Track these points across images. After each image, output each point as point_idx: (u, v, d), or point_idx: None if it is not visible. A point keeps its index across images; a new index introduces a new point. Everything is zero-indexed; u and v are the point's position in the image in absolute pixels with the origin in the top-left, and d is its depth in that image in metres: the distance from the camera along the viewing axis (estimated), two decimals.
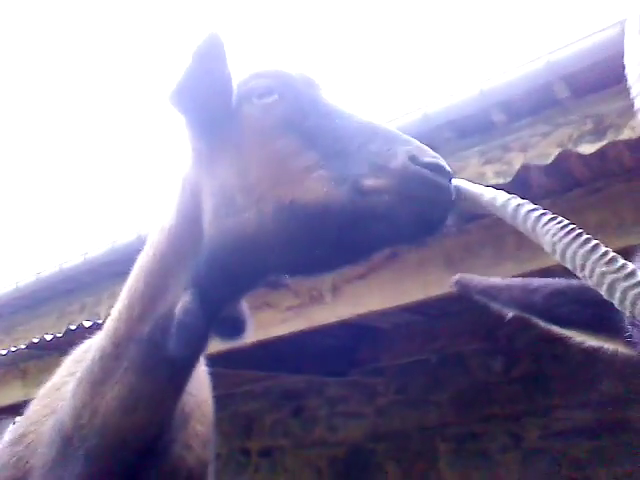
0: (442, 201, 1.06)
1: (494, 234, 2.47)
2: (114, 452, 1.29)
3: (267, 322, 3.17)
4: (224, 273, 1.24)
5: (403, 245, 1.15)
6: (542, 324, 0.99)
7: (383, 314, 3.36)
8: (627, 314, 0.79)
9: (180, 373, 1.31)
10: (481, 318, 4.31)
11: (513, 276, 2.64)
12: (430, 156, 1.08)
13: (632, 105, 2.40)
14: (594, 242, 0.83)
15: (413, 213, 1.06)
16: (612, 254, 0.81)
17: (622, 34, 2.15)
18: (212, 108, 1.22)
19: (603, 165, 2.43)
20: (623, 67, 2.44)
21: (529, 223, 0.90)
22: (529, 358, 4.34)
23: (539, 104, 2.38)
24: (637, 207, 2.46)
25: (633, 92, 0.90)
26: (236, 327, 1.34)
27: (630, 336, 0.86)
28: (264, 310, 3.11)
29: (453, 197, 1.06)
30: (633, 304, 0.76)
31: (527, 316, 0.99)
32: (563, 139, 2.29)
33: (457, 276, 1.08)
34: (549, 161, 2.26)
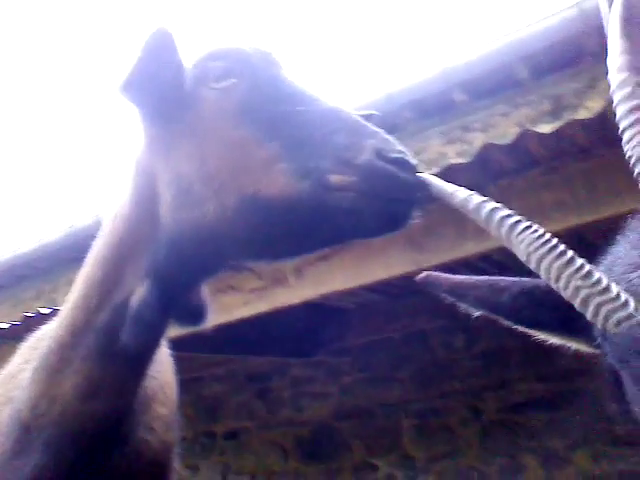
0: (408, 199, 1.06)
1: (455, 214, 2.48)
2: (74, 441, 1.26)
3: (230, 305, 3.15)
4: (183, 262, 1.21)
5: (367, 238, 1.16)
6: (508, 323, 1.00)
7: (346, 294, 3.39)
8: (599, 327, 0.79)
9: (139, 362, 1.29)
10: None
11: (474, 255, 2.69)
12: (396, 151, 1.05)
13: (588, 85, 2.45)
14: (570, 254, 0.82)
15: (378, 210, 1.06)
16: (588, 268, 0.80)
17: (579, 16, 2.18)
18: (164, 96, 1.18)
19: (559, 145, 2.48)
20: (580, 48, 2.49)
21: (503, 230, 0.89)
22: (488, 334, 4.46)
23: (499, 84, 2.40)
24: (592, 186, 2.52)
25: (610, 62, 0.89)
26: (196, 314, 1.32)
27: (598, 345, 0.87)
28: (227, 293, 3.08)
29: (419, 193, 1.05)
30: (606, 319, 0.77)
31: (493, 316, 1.00)
32: (522, 119, 2.33)
33: (423, 274, 1.07)
34: (509, 141, 2.29)
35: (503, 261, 3.70)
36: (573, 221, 2.51)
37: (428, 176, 1.07)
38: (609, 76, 0.92)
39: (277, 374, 5.28)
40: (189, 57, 1.22)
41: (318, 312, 4.47)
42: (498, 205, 0.92)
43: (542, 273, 0.83)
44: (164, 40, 1.15)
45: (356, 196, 1.04)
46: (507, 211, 0.91)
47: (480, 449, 4.37)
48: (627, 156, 0.86)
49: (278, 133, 1.11)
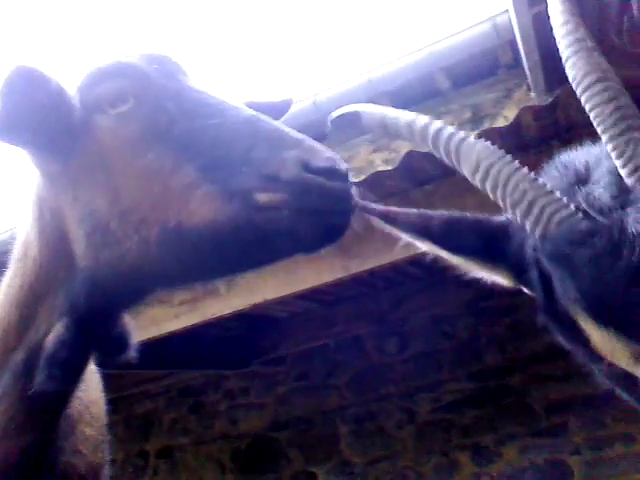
0: (342, 209, 0.99)
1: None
2: None
3: (160, 318, 3.05)
4: (104, 299, 1.14)
5: (306, 253, 1.09)
6: (435, 250, 1.02)
7: (279, 303, 3.36)
8: (539, 232, 0.83)
9: (56, 403, 1.24)
10: (375, 302, 4.46)
11: (403, 259, 2.74)
12: (323, 159, 0.96)
13: (504, 95, 2.56)
14: (517, 162, 0.87)
15: (313, 225, 0.98)
16: (533, 174, 0.86)
17: (493, 30, 2.29)
18: (50, 131, 1.06)
19: None
20: (496, 60, 2.59)
21: (452, 144, 0.92)
22: (420, 337, 4.57)
23: (422, 94, 2.48)
24: None
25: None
26: (119, 344, 1.25)
27: (517, 270, 0.92)
28: (155, 306, 2.99)
29: (353, 200, 1.00)
30: (549, 219, 0.82)
31: (422, 240, 1.02)
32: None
33: (358, 201, 1.04)
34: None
35: (432, 265, 3.81)
36: None
37: (369, 106, 1.05)
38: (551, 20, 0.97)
39: (211, 387, 5.17)
40: (74, 81, 1.11)
41: (251, 322, 4.42)
42: (444, 125, 0.95)
43: (490, 179, 0.88)
44: (28, 75, 1.03)
45: (288, 214, 0.96)
46: (453, 129, 0.94)
47: (415, 450, 4.46)
48: (570, 76, 0.92)
49: (192, 154, 1.01)
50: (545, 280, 0.87)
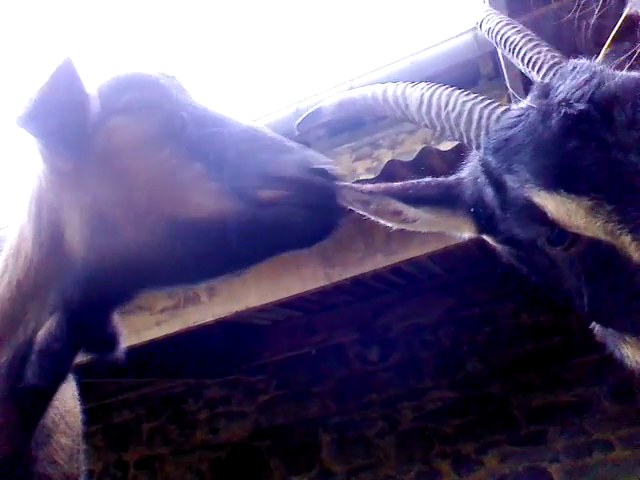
0: (336, 207, 1.11)
1: (363, 227, 2.56)
2: None
3: (140, 326, 3.01)
4: (99, 293, 1.17)
5: (300, 249, 1.21)
6: (398, 205, 1.09)
7: (261, 311, 3.35)
8: (483, 133, 0.94)
9: (42, 400, 1.23)
10: (357, 310, 4.46)
11: (384, 267, 2.75)
12: (320, 162, 1.11)
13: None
14: (452, 88, 1.01)
15: (312, 221, 1.11)
16: (468, 91, 1.00)
17: (475, 41, 2.32)
18: (70, 127, 1.13)
19: (458, 159, 2.61)
20: (477, 71, 2.63)
21: (399, 93, 1.06)
22: (402, 345, 4.58)
23: None
24: None
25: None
26: (108, 342, 1.26)
27: (481, 215, 1.00)
28: (136, 313, 2.95)
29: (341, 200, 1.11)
30: (488, 120, 0.95)
31: (386, 199, 1.09)
32: (427, 137, 2.43)
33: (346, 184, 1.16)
34: (413, 157, 2.38)
35: (412, 272, 3.83)
36: None
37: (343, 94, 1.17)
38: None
39: (192, 396, 5.12)
40: (93, 83, 1.18)
41: (232, 330, 4.39)
42: (386, 85, 1.09)
43: (433, 106, 1.02)
44: (68, 70, 1.10)
45: (291, 209, 1.09)
46: (395, 85, 1.08)
47: (397, 458, 4.46)
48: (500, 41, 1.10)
49: (201, 155, 1.12)
50: (497, 190, 0.94)
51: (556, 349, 4.22)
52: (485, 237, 1.06)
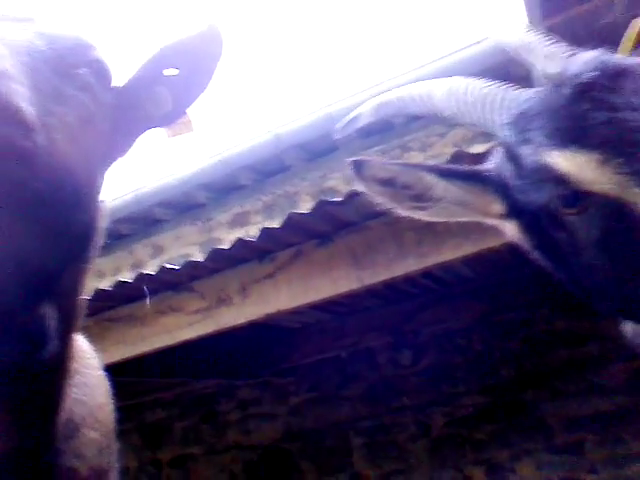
0: None
1: (394, 230, 2.55)
2: None
3: (173, 326, 3.07)
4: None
5: None
6: (429, 179, 1.15)
7: (292, 313, 3.36)
8: (505, 114, 1.03)
9: (38, 385, 1.14)
10: (388, 313, 4.44)
11: (415, 271, 2.73)
12: None
13: None
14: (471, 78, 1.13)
15: None
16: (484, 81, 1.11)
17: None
18: None
19: None
20: (507, 73, 2.60)
21: (425, 92, 1.17)
22: (434, 350, 4.53)
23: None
24: None
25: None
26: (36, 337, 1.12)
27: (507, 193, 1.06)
28: (168, 314, 3.01)
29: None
30: (505, 100, 1.04)
31: (419, 172, 1.16)
32: (457, 139, 2.41)
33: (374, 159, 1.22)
34: (444, 160, 2.36)
35: (444, 276, 3.79)
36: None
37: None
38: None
39: (224, 397, 5.17)
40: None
41: (264, 332, 4.43)
42: (413, 85, 1.20)
43: (454, 97, 1.12)
44: None
45: None
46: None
47: (429, 464, 4.41)
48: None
49: None
50: (516, 162, 1.01)
51: (591, 356, 4.12)
52: (509, 225, 1.09)
